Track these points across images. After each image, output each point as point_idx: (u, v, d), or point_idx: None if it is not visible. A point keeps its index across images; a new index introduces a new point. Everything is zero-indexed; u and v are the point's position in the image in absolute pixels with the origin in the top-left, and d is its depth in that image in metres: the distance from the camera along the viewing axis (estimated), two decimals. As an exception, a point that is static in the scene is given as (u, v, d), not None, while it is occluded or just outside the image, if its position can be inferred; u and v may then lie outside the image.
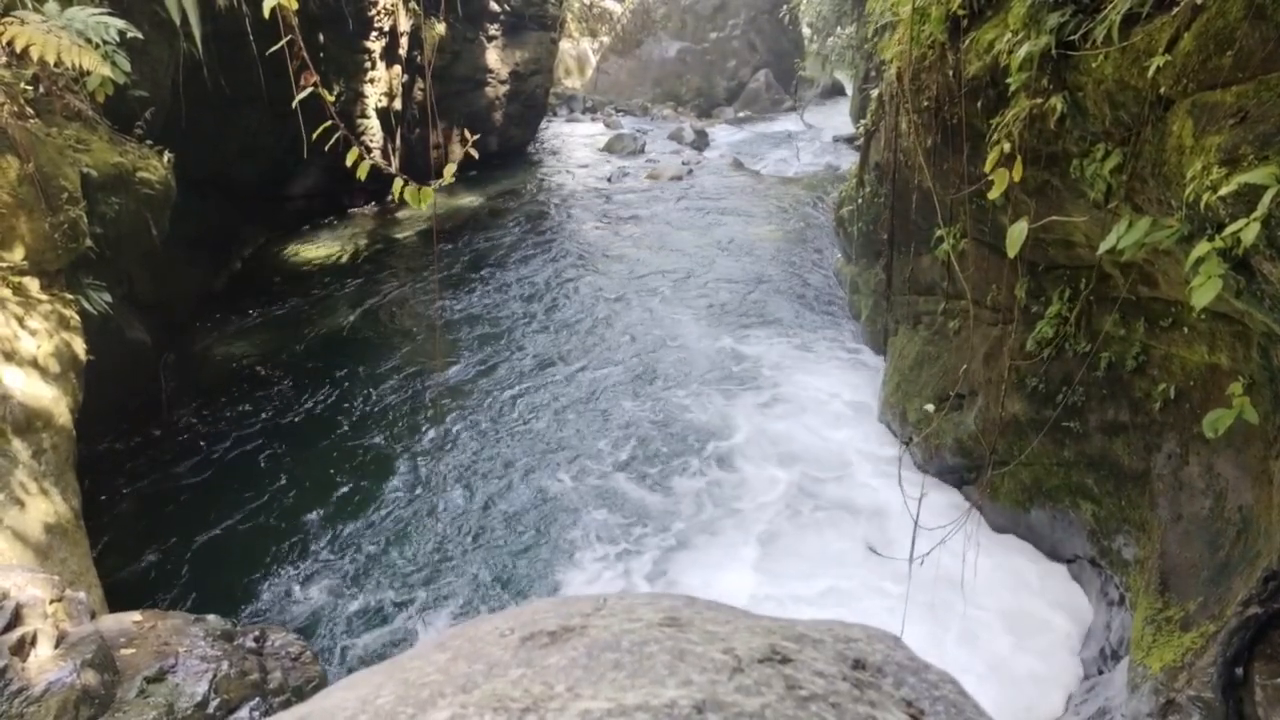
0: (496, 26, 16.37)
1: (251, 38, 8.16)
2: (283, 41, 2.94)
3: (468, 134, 3.30)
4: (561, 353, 9.15)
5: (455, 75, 15.28)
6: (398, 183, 3.03)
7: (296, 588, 5.72)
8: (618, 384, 8.46)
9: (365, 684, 0.98)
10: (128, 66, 5.58)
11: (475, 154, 3.25)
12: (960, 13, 4.78)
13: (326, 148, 3.06)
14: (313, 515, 6.43)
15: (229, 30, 8.39)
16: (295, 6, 2.78)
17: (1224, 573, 3.83)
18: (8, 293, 4.80)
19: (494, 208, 14.55)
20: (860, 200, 8.16)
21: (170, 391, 7.87)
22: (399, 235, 13.09)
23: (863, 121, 8.62)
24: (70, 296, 5.29)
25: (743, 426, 7.57)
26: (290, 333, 9.56)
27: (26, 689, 3.02)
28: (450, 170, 3.13)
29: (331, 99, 3.21)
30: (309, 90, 2.84)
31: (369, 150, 3.16)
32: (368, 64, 12.28)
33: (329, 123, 3.02)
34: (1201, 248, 2.82)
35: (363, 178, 3.10)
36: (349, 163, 3.06)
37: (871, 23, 9.96)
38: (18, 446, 4.47)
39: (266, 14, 2.74)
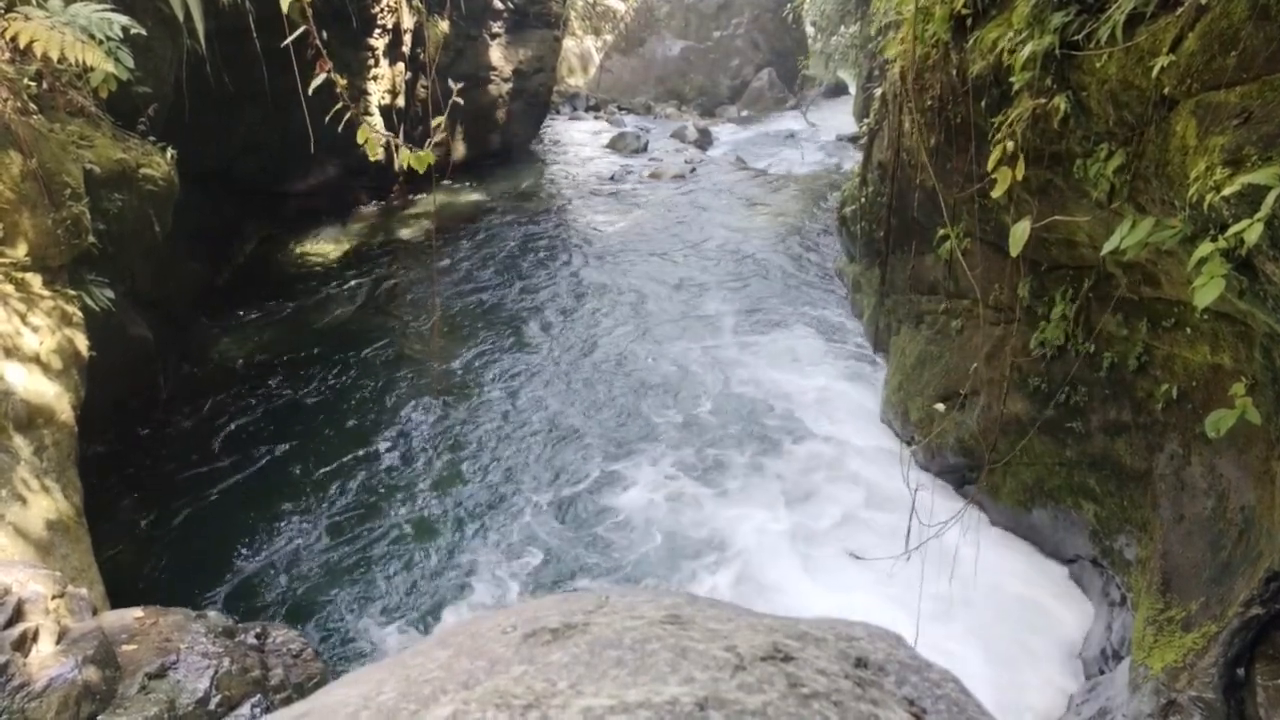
0: (500, 24, 16.35)
1: (254, 34, 8.16)
2: (299, 32, 2.95)
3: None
4: (561, 349, 9.15)
5: (458, 73, 15.24)
6: (404, 152, 3.05)
7: (298, 584, 5.73)
8: (610, 375, 8.46)
9: (367, 680, 0.99)
10: (131, 63, 5.57)
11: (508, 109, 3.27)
12: (964, 12, 4.77)
13: (341, 127, 3.08)
14: (315, 511, 6.44)
15: (231, 26, 8.39)
16: (309, -1, 2.80)
17: (1226, 573, 3.82)
18: (10, 289, 4.80)
19: (496, 205, 14.54)
20: (863, 199, 8.15)
21: (171, 387, 7.88)
22: (401, 233, 13.09)
23: (866, 120, 8.62)
24: (73, 293, 5.28)
25: (739, 426, 7.57)
26: (291, 328, 9.56)
27: (28, 685, 3.03)
28: (447, 139, 3.14)
29: (344, 84, 3.22)
30: (322, 78, 2.86)
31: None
32: (371, 61, 12.28)
33: (341, 104, 3.04)
34: (1204, 248, 2.81)
35: (374, 158, 3.12)
36: (360, 140, 3.08)
37: (875, 22, 9.95)
38: (19, 443, 4.48)
39: (285, 8, 2.75)
